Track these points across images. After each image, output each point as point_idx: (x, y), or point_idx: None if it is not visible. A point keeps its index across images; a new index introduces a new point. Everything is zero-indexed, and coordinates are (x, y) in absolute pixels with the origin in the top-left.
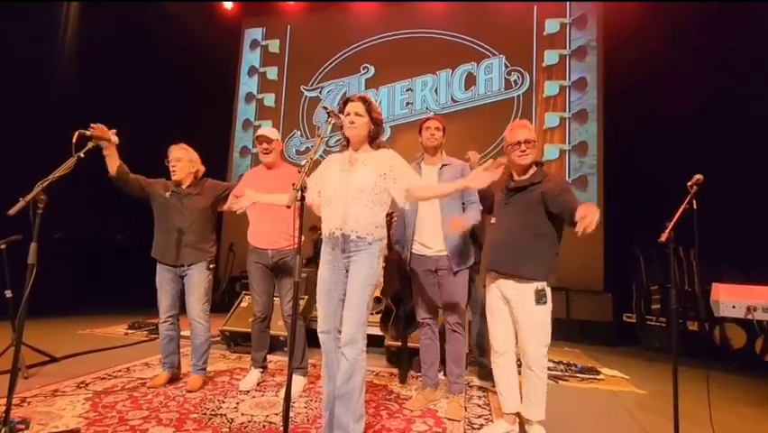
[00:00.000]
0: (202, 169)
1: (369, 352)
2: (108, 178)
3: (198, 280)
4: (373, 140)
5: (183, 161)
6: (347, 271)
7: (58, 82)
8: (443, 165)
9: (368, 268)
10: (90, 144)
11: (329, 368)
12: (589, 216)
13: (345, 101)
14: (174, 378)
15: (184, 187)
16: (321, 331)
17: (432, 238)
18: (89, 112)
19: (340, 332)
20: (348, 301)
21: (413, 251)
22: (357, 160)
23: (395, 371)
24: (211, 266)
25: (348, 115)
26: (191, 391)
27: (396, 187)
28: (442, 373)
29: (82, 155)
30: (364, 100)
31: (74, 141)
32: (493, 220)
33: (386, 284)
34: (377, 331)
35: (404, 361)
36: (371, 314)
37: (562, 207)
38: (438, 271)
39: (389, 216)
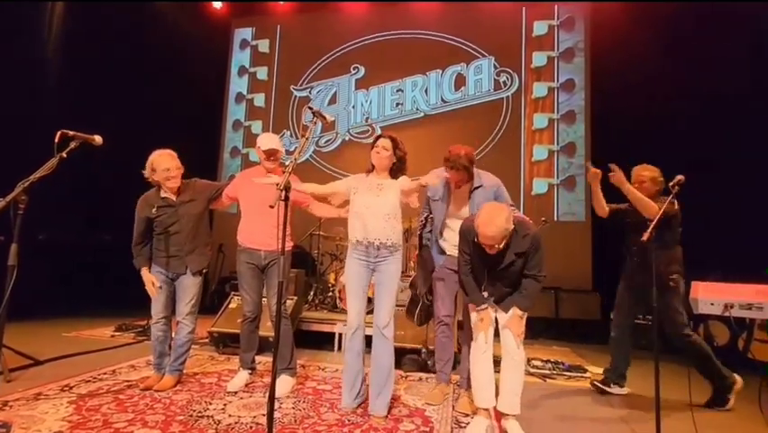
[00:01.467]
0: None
1: None
2: (93, 178)
3: (191, 283)
4: (395, 172)
5: (174, 169)
6: (373, 270)
7: (43, 82)
8: (474, 188)
9: (396, 269)
10: (73, 144)
11: (355, 359)
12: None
13: (377, 137)
14: None
15: (175, 197)
16: (350, 327)
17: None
18: (75, 112)
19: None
20: (383, 295)
21: (447, 252)
22: (383, 186)
23: None
24: (203, 270)
25: (376, 147)
26: (159, 391)
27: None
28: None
29: (64, 155)
30: (392, 138)
31: (56, 141)
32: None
33: (421, 280)
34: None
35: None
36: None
37: (528, 268)
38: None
39: (425, 217)
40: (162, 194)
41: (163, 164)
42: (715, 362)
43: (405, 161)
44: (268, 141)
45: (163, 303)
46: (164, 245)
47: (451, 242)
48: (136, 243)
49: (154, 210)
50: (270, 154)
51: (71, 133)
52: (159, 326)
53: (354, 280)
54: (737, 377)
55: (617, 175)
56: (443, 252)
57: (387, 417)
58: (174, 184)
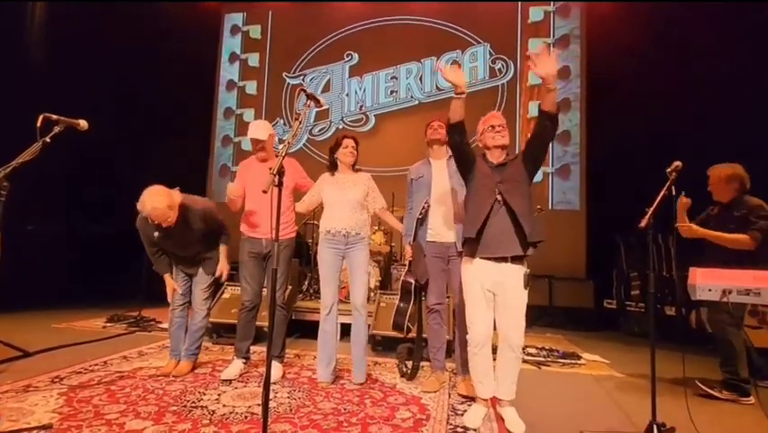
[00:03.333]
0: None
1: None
2: (84, 168)
3: (206, 272)
4: (353, 165)
5: (168, 212)
6: (343, 258)
7: (29, 68)
8: (449, 157)
9: (366, 254)
10: (57, 129)
11: (329, 336)
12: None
13: (342, 137)
14: None
15: (171, 227)
16: (326, 307)
17: (443, 228)
18: (63, 99)
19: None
20: (357, 277)
21: (427, 239)
22: (347, 181)
23: (379, 360)
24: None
25: (347, 147)
26: (178, 377)
27: (371, 205)
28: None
29: (48, 140)
30: (355, 138)
31: (39, 125)
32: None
33: (419, 271)
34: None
35: (416, 355)
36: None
37: (535, 141)
38: (449, 259)
39: (423, 207)
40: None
41: (154, 214)
42: (739, 359)
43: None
44: (253, 130)
45: (182, 291)
46: (176, 261)
47: (435, 230)
48: (151, 253)
49: (156, 234)
50: (254, 145)
51: (54, 117)
52: (177, 312)
53: (327, 267)
54: (752, 398)
55: (685, 227)
56: (429, 239)
57: (365, 382)
58: (168, 224)
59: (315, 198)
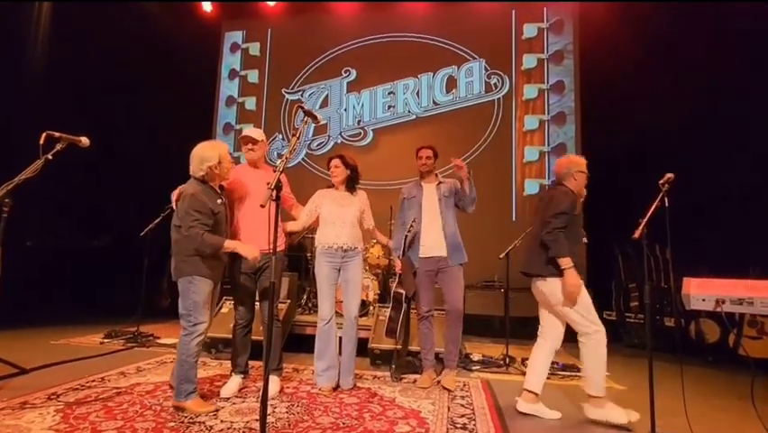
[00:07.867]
0: None
1: None
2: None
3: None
4: (352, 183)
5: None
6: (339, 271)
7: (30, 87)
8: (438, 183)
9: (360, 268)
10: (59, 146)
11: (328, 345)
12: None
13: (329, 159)
14: None
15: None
16: (323, 319)
17: (434, 245)
18: (64, 116)
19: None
20: (352, 291)
21: (420, 255)
22: (345, 198)
23: (378, 373)
24: None
25: (331, 168)
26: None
27: (366, 223)
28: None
29: (50, 157)
30: (340, 156)
31: (41, 142)
32: (585, 240)
33: (407, 284)
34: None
35: (397, 360)
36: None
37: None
38: (439, 271)
39: (411, 226)
40: (218, 190)
41: (228, 158)
42: None
43: (356, 170)
44: (246, 131)
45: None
46: (219, 257)
47: (427, 246)
48: (202, 230)
49: (220, 201)
50: (246, 141)
51: (57, 134)
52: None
53: (324, 281)
54: None
55: None
56: (420, 256)
57: (354, 387)
58: (227, 181)
59: (312, 215)
